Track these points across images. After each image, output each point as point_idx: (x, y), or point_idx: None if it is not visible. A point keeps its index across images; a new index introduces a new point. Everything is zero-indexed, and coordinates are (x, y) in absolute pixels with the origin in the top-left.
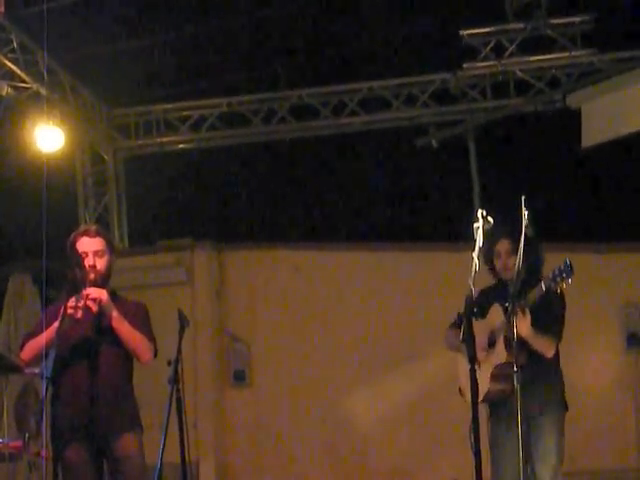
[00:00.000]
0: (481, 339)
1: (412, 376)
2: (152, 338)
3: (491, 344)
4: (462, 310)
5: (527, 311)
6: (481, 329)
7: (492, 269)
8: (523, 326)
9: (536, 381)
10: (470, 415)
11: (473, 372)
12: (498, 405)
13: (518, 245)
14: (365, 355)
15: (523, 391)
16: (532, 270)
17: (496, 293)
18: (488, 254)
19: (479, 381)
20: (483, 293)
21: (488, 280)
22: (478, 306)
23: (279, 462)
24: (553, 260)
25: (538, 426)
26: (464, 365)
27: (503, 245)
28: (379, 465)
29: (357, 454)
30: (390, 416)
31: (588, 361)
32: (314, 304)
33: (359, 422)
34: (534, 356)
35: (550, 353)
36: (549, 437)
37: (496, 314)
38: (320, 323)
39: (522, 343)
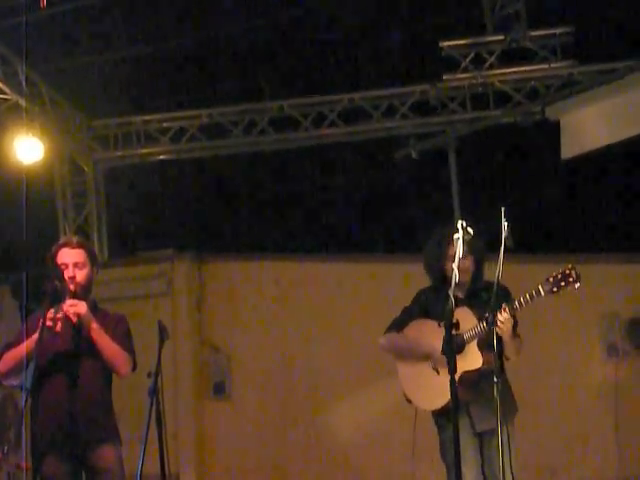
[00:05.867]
0: (439, 342)
1: (395, 388)
2: (131, 351)
3: (458, 349)
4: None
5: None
6: (439, 332)
7: (439, 271)
8: (508, 327)
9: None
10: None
11: (453, 383)
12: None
13: (471, 248)
14: (346, 366)
15: (485, 401)
16: (480, 272)
17: (441, 295)
18: (436, 256)
19: (440, 388)
20: (424, 294)
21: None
22: (427, 309)
23: (260, 474)
24: (534, 271)
25: (494, 440)
26: (409, 372)
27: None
28: (362, 476)
29: (340, 466)
30: (373, 427)
31: (568, 372)
32: (294, 316)
33: (341, 434)
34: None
35: (520, 353)
36: (507, 451)
37: (464, 317)
38: (300, 334)
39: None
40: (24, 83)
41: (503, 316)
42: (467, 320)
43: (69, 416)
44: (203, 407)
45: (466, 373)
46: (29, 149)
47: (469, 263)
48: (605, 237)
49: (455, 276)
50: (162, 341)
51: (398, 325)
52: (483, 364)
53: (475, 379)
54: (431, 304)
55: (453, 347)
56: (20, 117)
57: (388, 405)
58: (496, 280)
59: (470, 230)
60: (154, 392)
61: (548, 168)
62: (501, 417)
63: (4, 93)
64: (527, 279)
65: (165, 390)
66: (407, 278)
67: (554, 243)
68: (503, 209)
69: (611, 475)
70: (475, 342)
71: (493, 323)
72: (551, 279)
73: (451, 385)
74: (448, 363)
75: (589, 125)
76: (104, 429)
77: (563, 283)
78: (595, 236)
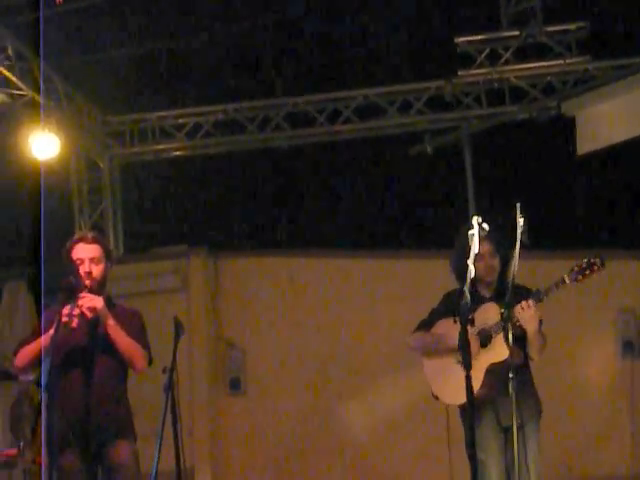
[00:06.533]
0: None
1: (409, 382)
2: (147, 346)
3: (482, 344)
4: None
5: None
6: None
7: (464, 272)
8: (535, 320)
9: (522, 387)
10: (456, 419)
11: (469, 379)
12: (480, 408)
13: (497, 247)
14: (360, 362)
15: (508, 395)
16: (506, 269)
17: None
18: (461, 257)
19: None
20: (450, 296)
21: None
22: (454, 309)
23: (275, 470)
24: (549, 267)
25: (523, 434)
26: (435, 367)
27: (484, 247)
28: (377, 472)
29: (355, 461)
30: (387, 423)
31: (583, 368)
32: (309, 311)
33: (356, 429)
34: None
35: (543, 353)
36: (534, 445)
37: (491, 312)
38: (315, 330)
39: (521, 342)
40: (40, 79)
41: (524, 305)
42: (494, 314)
43: (85, 412)
44: (219, 403)
45: (493, 365)
46: (45, 145)
47: (496, 262)
48: (621, 233)
49: (470, 272)
50: (178, 337)
51: (425, 325)
52: (510, 356)
53: (502, 372)
54: (458, 305)
55: (468, 341)
56: (36, 113)
57: (406, 400)
58: (511, 275)
59: (485, 226)
60: (169, 388)
61: (564, 164)
62: (527, 413)
63: (20, 89)
64: (543, 275)
65: (180, 386)
66: (421, 274)
67: (570, 239)
68: (519, 205)
69: (626, 472)
70: (502, 335)
71: (509, 319)
72: (576, 268)
73: (466, 380)
74: (463, 358)
75: (605, 121)
76: (120, 424)
77: (588, 271)
78: (611, 232)
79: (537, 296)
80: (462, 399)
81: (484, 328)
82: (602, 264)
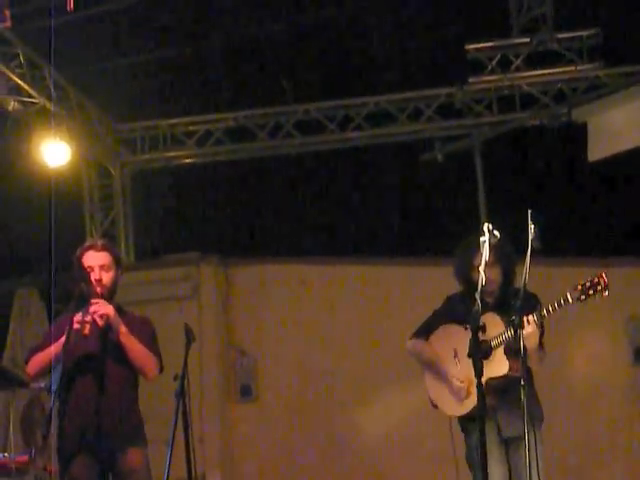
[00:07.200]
0: (465, 346)
1: (420, 391)
2: (158, 354)
3: (484, 355)
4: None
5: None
6: (466, 336)
7: (467, 280)
8: (534, 336)
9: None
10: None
11: (480, 386)
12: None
13: (498, 257)
14: (372, 369)
15: (511, 408)
16: (509, 279)
17: (470, 300)
18: (464, 265)
19: (465, 394)
20: (452, 300)
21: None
22: (454, 314)
23: (286, 477)
24: (559, 275)
25: (522, 447)
26: (435, 379)
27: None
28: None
29: (366, 470)
30: (397, 431)
31: (595, 376)
32: (320, 318)
33: (365, 437)
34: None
35: (543, 363)
36: (538, 453)
37: (492, 324)
38: (326, 337)
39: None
40: (52, 87)
41: (524, 322)
42: (495, 326)
43: (96, 418)
44: (229, 410)
45: (492, 380)
46: (56, 152)
47: (495, 274)
48: (631, 240)
49: (482, 279)
50: (188, 344)
51: (426, 329)
52: (509, 371)
53: (501, 386)
54: (460, 309)
55: (479, 349)
56: (47, 121)
57: (414, 409)
58: (523, 283)
59: (496, 233)
60: (181, 394)
61: (575, 171)
62: (528, 422)
63: (31, 97)
64: (554, 282)
65: (192, 393)
66: (433, 281)
67: (580, 246)
68: (530, 212)
69: None
70: (502, 348)
71: (520, 325)
72: (579, 287)
73: (478, 388)
74: (474, 366)
75: (616, 127)
76: (131, 431)
77: (591, 291)
78: (621, 239)
79: (539, 314)
80: (462, 411)
81: (484, 340)
82: (606, 284)
